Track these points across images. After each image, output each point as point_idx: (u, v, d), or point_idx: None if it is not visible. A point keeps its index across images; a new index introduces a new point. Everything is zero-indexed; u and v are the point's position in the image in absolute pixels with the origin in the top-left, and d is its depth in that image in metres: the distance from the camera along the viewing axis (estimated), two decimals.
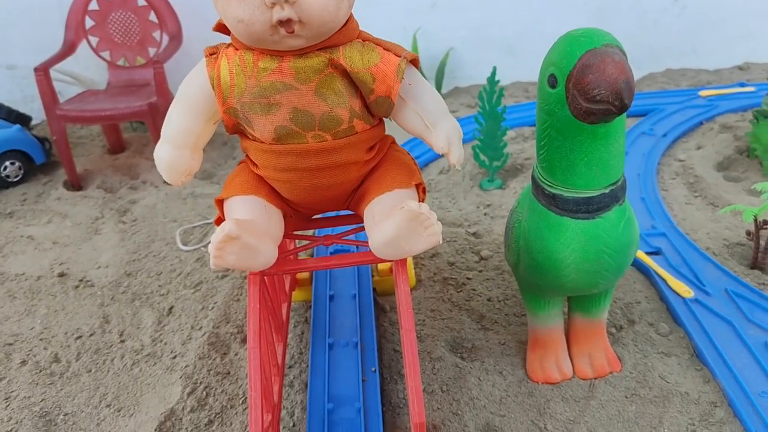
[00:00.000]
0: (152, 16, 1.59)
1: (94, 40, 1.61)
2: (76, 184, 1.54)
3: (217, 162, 1.60)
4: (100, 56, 1.62)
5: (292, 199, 0.60)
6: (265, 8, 0.46)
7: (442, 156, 1.17)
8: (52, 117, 1.46)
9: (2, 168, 1.51)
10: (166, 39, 1.59)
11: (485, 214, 1.28)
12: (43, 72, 1.43)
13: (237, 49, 0.53)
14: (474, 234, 1.21)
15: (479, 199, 1.34)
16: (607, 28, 0.64)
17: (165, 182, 0.87)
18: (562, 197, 0.70)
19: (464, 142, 1.47)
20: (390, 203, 0.56)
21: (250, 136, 0.57)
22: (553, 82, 0.66)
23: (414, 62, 0.55)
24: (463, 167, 1.40)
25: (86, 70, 1.76)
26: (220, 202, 0.60)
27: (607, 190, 0.70)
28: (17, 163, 1.54)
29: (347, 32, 0.52)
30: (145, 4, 1.58)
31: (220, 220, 0.61)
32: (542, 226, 0.73)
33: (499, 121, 1.32)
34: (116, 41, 1.61)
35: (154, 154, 0.58)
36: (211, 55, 0.55)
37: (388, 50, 0.54)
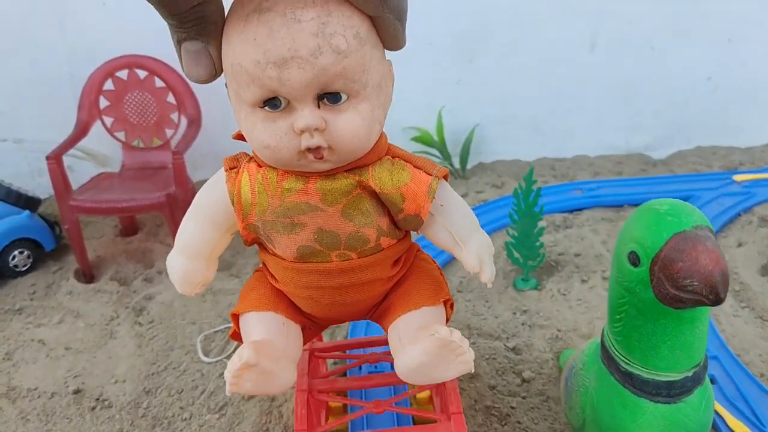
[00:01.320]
0: (170, 98, 1.55)
1: (108, 120, 1.57)
2: (87, 273, 1.50)
3: (237, 249, 1.56)
4: (114, 137, 1.59)
5: (312, 313, 0.58)
6: (293, 135, 0.44)
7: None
8: (64, 207, 1.43)
9: (11, 258, 1.47)
10: (184, 121, 1.56)
11: (523, 324, 1.24)
12: (55, 160, 1.40)
13: (260, 166, 0.51)
14: (513, 349, 1.16)
15: (515, 303, 1.30)
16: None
17: None
18: (640, 378, 0.67)
19: (494, 230, 1.45)
20: (417, 324, 0.54)
21: (270, 251, 0.55)
22: (634, 260, 0.62)
23: (445, 177, 0.54)
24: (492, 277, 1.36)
25: (99, 146, 1.72)
26: (235, 316, 0.58)
27: (690, 373, 0.66)
28: (26, 252, 1.51)
29: (376, 151, 0.51)
30: (163, 85, 1.54)
31: (235, 334, 0.59)
32: (615, 402, 0.69)
33: (536, 220, 1.29)
34: (132, 122, 1.58)
35: (166, 262, 0.56)
36: (231, 169, 0.52)
37: (418, 168, 0.52)
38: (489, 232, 1.54)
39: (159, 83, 1.55)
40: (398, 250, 0.56)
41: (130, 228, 1.64)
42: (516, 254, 1.33)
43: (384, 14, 0.42)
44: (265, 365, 0.49)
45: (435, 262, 0.63)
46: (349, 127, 0.45)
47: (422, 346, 0.50)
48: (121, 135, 1.59)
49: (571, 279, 1.36)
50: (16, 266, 1.48)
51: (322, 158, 0.45)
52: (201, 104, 1.56)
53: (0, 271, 1.46)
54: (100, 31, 1.63)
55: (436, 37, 1.71)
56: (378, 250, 0.54)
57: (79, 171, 1.73)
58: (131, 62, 1.53)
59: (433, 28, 1.70)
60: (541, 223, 1.47)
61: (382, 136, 0.51)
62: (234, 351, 1.22)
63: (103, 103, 1.56)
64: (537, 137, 1.87)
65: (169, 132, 1.59)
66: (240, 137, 0.53)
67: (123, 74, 1.55)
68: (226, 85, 0.46)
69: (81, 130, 1.53)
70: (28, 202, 1.55)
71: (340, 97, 0.44)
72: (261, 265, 0.60)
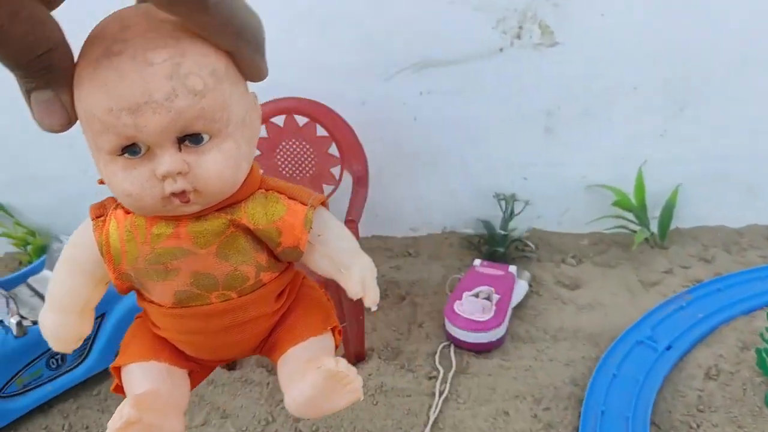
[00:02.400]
0: (333, 149, 1.31)
1: None
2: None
3: None
4: None
5: (198, 357, 0.56)
6: (155, 181, 0.42)
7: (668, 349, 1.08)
8: None
9: None
10: (346, 177, 1.31)
11: None
12: None
13: (127, 212, 0.49)
14: None
15: None
16: None
17: None
18: None
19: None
20: (304, 356, 0.53)
21: (147, 299, 0.53)
22: None
23: (323, 204, 0.52)
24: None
25: None
26: (117, 369, 0.55)
27: None
28: None
29: (248, 186, 0.48)
30: (326, 134, 1.30)
31: (118, 388, 0.56)
32: None
33: None
34: (284, 175, 1.34)
35: (39, 320, 0.53)
36: (98, 217, 0.50)
37: (293, 198, 0.50)
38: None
39: (321, 131, 1.30)
40: (281, 283, 0.55)
41: None
42: None
43: (241, 48, 0.41)
44: (149, 419, 0.47)
45: (322, 289, 0.61)
46: (214, 168, 0.43)
47: (310, 380, 0.49)
48: None
49: None
50: None
51: (188, 202, 0.44)
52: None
53: None
54: None
55: (643, 82, 1.43)
56: (259, 286, 0.52)
57: None
58: (290, 107, 1.30)
59: (640, 72, 1.42)
60: None
61: (253, 169, 0.49)
62: None
63: None
64: (751, 201, 1.55)
65: (327, 189, 1.34)
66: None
67: (278, 120, 1.31)
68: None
69: None
70: None
71: (202, 138, 0.42)
72: (141, 312, 0.57)
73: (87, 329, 0.54)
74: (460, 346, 1.29)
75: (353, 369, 0.49)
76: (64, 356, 1.19)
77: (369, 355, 1.30)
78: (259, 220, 0.49)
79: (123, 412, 0.46)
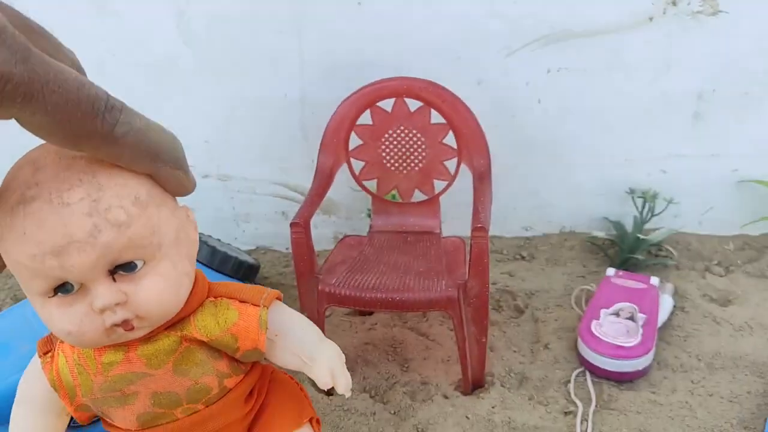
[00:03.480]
0: (449, 139, 1.12)
1: (357, 164, 1.16)
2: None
3: None
4: (363, 187, 1.17)
5: None
6: (94, 315, 0.42)
7: None
8: (309, 293, 1.03)
9: None
10: (464, 172, 1.12)
11: None
12: (303, 227, 1.00)
13: (73, 346, 0.48)
14: None
15: None
16: None
17: None
18: None
19: None
20: None
21: (111, 424, 0.52)
22: None
23: (278, 298, 0.52)
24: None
25: (334, 195, 1.31)
26: None
27: None
28: None
29: (194, 299, 0.48)
30: (443, 121, 1.11)
31: None
32: None
33: None
34: (388, 167, 1.16)
35: None
36: (45, 354, 0.50)
37: (244, 302, 0.50)
38: None
39: (436, 118, 1.11)
40: (248, 385, 0.54)
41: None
42: None
43: (159, 169, 0.41)
44: None
45: (293, 379, 0.61)
46: (152, 293, 0.43)
47: None
48: (371, 185, 1.17)
49: None
50: None
51: (132, 329, 0.44)
52: None
53: None
54: (351, 40, 1.20)
55: None
56: (225, 392, 0.52)
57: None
58: (402, 88, 1.11)
59: None
60: None
61: (198, 280, 0.49)
62: None
63: (354, 143, 1.15)
64: None
65: (438, 185, 1.15)
66: None
67: (386, 104, 1.13)
68: None
69: (325, 178, 1.12)
70: (248, 271, 1.17)
71: (135, 264, 0.42)
72: None
73: None
74: (598, 374, 1.10)
75: None
76: None
77: (489, 381, 1.11)
78: (212, 330, 0.49)
79: None
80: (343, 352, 0.97)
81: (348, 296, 1.00)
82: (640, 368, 1.08)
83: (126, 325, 0.43)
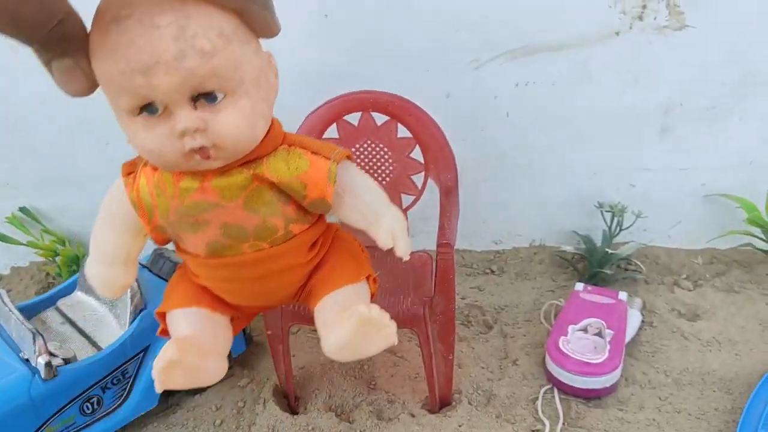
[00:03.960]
0: (416, 153, 1.11)
1: None
2: (292, 400, 1.08)
3: None
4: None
5: (237, 304, 0.58)
6: (175, 138, 0.45)
7: None
8: (273, 313, 1.01)
9: None
10: (431, 187, 1.11)
11: None
12: None
13: (155, 169, 0.51)
14: None
15: None
16: None
17: None
18: None
19: None
20: (339, 304, 0.56)
21: (184, 249, 0.56)
22: None
23: (348, 158, 0.54)
24: None
25: None
26: (162, 315, 0.58)
27: None
28: None
29: (270, 142, 0.51)
30: (408, 135, 1.10)
31: (164, 332, 0.58)
32: None
33: None
34: None
35: (85, 271, 0.57)
36: (129, 174, 0.53)
37: (316, 154, 0.52)
38: None
39: (403, 132, 1.10)
40: (313, 235, 0.57)
41: None
42: None
43: (248, 6, 0.43)
44: (190, 362, 0.51)
45: (356, 240, 0.62)
46: (229, 126, 0.46)
47: (345, 326, 0.51)
48: None
49: None
50: None
51: (209, 157, 0.47)
52: None
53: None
54: (317, 52, 1.19)
55: None
56: (289, 237, 0.54)
57: None
58: (368, 102, 1.10)
59: None
60: None
61: (274, 125, 0.52)
62: None
63: None
64: None
65: (406, 199, 1.14)
66: None
67: (353, 118, 1.11)
68: None
69: None
70: None
71: (216, 96, 0.45)
72: (183, 262, 0.60)
73: (131, 278, 0.58)
74: (566, 391, 1.09)
75: (386, 315, 0.51)
76: (100, 399, 1.02)
77: (456, 399, 1.10)
78: (283, 173, 0.51)
79: (167, 353, 0.49)
80: (308, 371, 0.97)
81: (310, 316, 0.97)
82: (608, 385, 1.08)
83: (203, 152, 0.46)
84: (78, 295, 1.14)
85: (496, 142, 1.30)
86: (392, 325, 0.52)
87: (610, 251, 1.29)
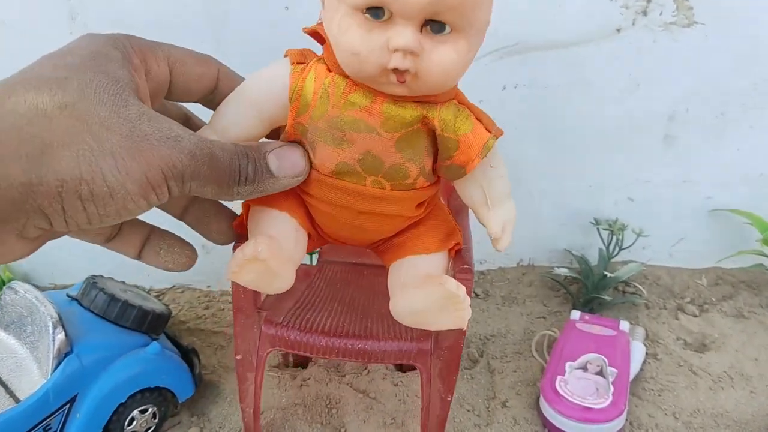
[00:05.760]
0: None
1: None
2: None
3: None
4: None
5: (325, 229, 0.59)
6: (385, 51, 0.45)
7: None
8: (245, 329, 0.85)
9: (126, 424, 0.91)
10: None
11: None
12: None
13: (329, 70, 0.50)
14: None
15: None
16: None
17: None
18: None
19: None
20: (423, 268, 0.57)
21: (308, 159, 0.55)
22: None
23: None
24: None
25: None
26: (247, 207, 0.58)
27: None
28: (151, 410, 0.94)
29: (450, 92, 0.51)
30: None
31: (241, 224, 0.59)
32: None
33: None
34: None
35: (200, 132, 0.55)
36: (298, 63, 0.52)
37: (480, 120, 0.53)
38: None
39: None
40: (428, 193, 0.57)
41: (299, 355, 1.06)
42: None
43: None
44: (272, 264, 0.50)
45: (447, 207, 0.64)
46: (443, 61, 0.46)
47: (427, 293, 0.51)
48: None
49: None
50: None
51: (403, 82, 0.46)
52: None
53: None
54: (279, 48, 1.03)
55: None
56: (412, 187, 0.55)
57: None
58: None
59: None
60: None
61: None
62: None
63: None
64: None
65: None
66: (313, 34, 0.52)
67: None
68: None
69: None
70: (155, 323, 0.99)
71: (445, 28, 0.45)
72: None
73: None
74: None
75: (468, 299, 0.52)
76: None
77: None
78: (448, 127, 0.51)
79: (255, 248, 0.49)
80: (270, 416, 0.93)
81: (297, 341, 0.81)
82: None
83: (401, 76, 0.46)
84: None
85: None
86: (469, 311, 0.53)
87: (608, 274, 1.15)
